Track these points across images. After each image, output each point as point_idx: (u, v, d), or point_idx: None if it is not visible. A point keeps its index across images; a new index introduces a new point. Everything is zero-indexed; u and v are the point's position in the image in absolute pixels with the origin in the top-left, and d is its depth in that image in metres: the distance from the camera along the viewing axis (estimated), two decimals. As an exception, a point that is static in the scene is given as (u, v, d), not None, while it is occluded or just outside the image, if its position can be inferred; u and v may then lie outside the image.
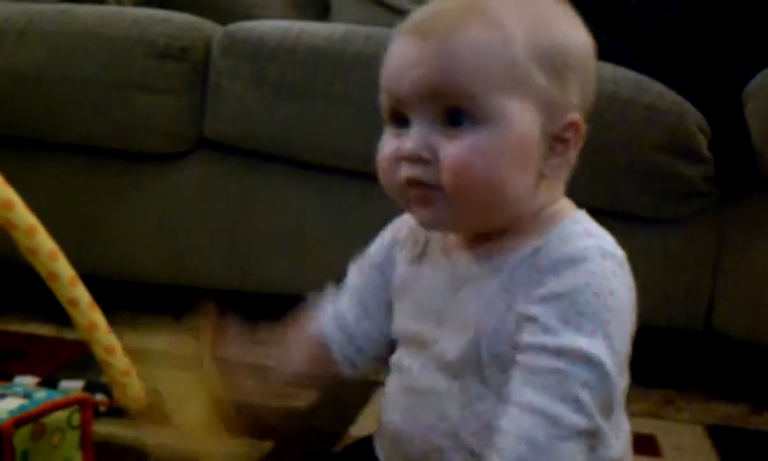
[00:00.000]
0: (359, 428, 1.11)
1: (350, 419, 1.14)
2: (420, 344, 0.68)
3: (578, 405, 0.58)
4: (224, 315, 0.77)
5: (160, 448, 1.02)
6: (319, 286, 1.46)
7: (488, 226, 0.65)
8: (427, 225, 0.66)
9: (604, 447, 0.63)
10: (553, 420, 0.58)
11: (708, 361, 1.45)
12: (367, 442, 0.77)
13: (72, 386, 1.10)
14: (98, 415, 1.04)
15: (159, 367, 0.77)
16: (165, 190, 1.48)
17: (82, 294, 1.03)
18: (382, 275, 0.76)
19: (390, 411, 0.71)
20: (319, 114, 1.41)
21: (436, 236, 0.71)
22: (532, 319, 0.61)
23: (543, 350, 0.60)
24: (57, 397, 0.90)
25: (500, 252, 0.65)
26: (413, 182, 0.63)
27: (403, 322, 0.71)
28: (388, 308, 0.75)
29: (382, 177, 0.66)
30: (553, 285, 0.61)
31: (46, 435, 0.86)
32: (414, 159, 0.62)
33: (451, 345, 0.65)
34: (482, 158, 0.61)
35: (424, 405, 0.67)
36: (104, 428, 1.03)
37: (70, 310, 1.03)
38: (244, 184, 1.47)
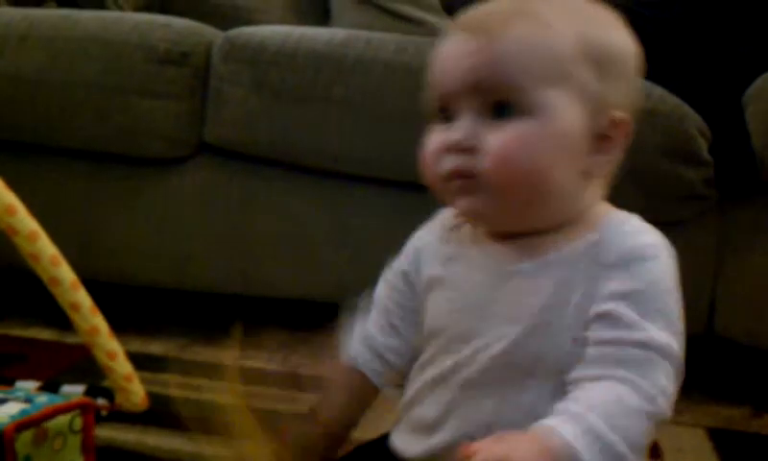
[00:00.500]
0: (361, 432, 1.11)
1: (352, 423, 1.14)
2: (460, 338, 0.68)
3: (665, 393, 0.60)
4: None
5: (165, 452, 1.02)
6: (320, 290, 1.47)
7: (530, 222, 0.65)
8: (468, 214, 0.67)
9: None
10: (648, 396, 0.59)
11: (709, 364, 1.45)
12: (378, 443, 0.76)
13: (73, 390, 1.10)
14: (99, 419, 1.04)
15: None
16: (166, 195, 1.48)
17: (83, 298, 1.03)
18: (407, 282, 0.75)
19: (419, 404, 0.70)
20: (319, 119, 1.41)
21: (465, 232, 0.71)
22: (608, 315, 0.61)
23: (627, 342, 0.60)
24: (58, 401, 0.90)
25: (551, 246, 0.65)
26: (457, 173, 0.64)
27: (437, 320, 0.71)
28: (414, 321, 0.75)
29: (426, 170, 0.66)
30: (627, 281, 0.61)
31: (48, 440, 0.86)
32: (459, 149, 0.63)
33: (497, 338, 0.65)
34: (526, 148, 0.62)
35: (459, 397, 0.67)
36: (105, 433, 1.03)
37: (72, 315, 1.03)
38: (245, 189, 1.47)
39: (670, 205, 1.35)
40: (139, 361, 1.11)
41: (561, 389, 0.62)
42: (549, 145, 0.62)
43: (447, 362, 0.68)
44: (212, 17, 1.66)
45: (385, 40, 1.42)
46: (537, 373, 0.63)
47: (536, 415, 0.61)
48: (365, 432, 1.08)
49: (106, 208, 1.50)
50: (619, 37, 0.66)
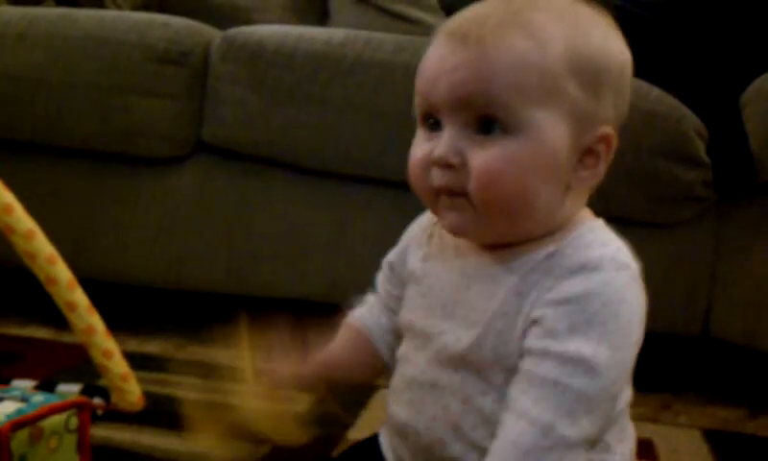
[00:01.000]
0: (357, 432, 1.11)
1: (350, 422, 1.14)
2: (424, 336, 0.69)
3: (573, 417, 0.59)
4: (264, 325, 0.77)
5: (161, 452, 1.02)
6: (318, 290, 1.47)
7: (513, 236, 0.65)
8: (454, 231, 0.67)
9: (606, 453, 0.63)
10: (545, 430, 0.59)
11: (705, 366, 1.45)
12: (370, 443, 0.77)
13: (70, 390, 1.10)
14: (95, 418, 1.04)
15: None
16: (164, 194, 1.48)
17: (80, 298, 1.03)
18: (395, 274, 0.77)
19: (395, 404, 0.71)
20: (317, 119, 1.41)
21: (446, 234, 0.71)
22: (539, 322, 0.61)
23: (547, 355, 0.60)
24: (54, 400, 0.89)
25: (513, 254, 0.65)
26: (444, 190, 0.63)
27: (409, 314, 0.72)
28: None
29: (413, 181, 0.66)
30: (564, 291, 0.61)
31: (43, 439, 0.86)
32: (443, 165, 0.62)
33: (456, 339, 0.65)
34: (512, 169, 0.61)
35: (427, 398, 0.68)
36: (101, 432, 1.03)
37: (68, 314, 1.03)
38: (242, 189, 1.47)
39: (668, 206, 1.35)
40: (136, 360, 1.11)
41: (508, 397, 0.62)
42: (535, 165, 0.61)
43: (417, 362, 0.69)
44: (211, 17, 1.66)
45: (383, 41, 1.42)
46: (494, 377, 0.64)
47: (495, 420, 0.62)
48: (361, 432, 1.09)
49: (103, 207, 1.49)
50: (612, 47, 0.64)
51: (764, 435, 1.26)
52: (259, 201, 1.47)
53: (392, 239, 0.79)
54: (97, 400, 1.08)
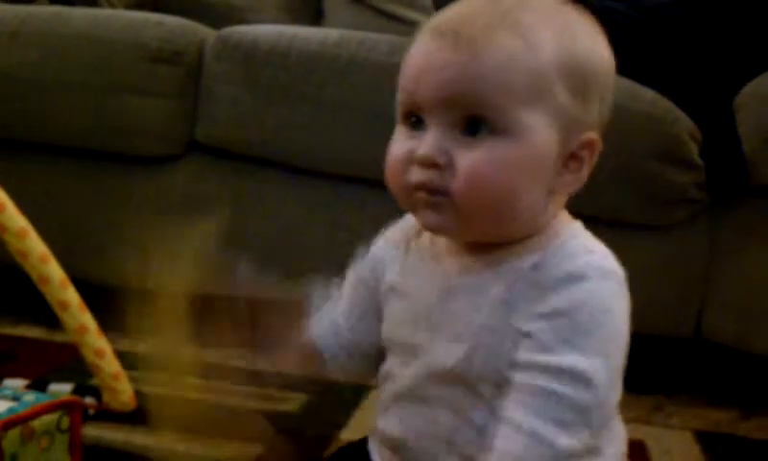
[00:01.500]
0: (350, 433, 1.11)
1: (341, 423, 1.14)
2: (411, 351, 0.68)
3: (571, 428, 0.59)
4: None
5: (153, 451, 1.02)
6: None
7: (492, 237, 0.64)
8: (433, 229, 0.65)
9: (595, 457, 0.63)
10: (546, 442, 0.58)
11: (698, 367, 1.45)
12: (360, 445, 0.76)
13: (61, 389, 1.10)
14: (87, 418, 1.04)
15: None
16: (157, 193, 1.48)
17: (72, 297, 1.03)
18: (374, 278, 0.75)
19: (384, 419, 0.71)
20: (311, 119, 1.41)
21: (425, 241, 0.70)
22: (529, 335, 0.61)
23: (539, 368, 0.60)
24: (46, 400, 0.89)
25: (497, 263, 0.64)
26: (423, 187, 0.62)
27: (393, 328, 0.71)
28: (378, 314, 0.74)
29: (390, 178, 0.64)
30: (552, 303, 0.60)
31: (35, 438, 0.86)
32: (428, 164, 0.61)
33: (444, 355, 0.65)
34: (499, 170, 0.60)
35: (417, 413, 0.67)
36: (93, 431, 1.03)
37: (60, 313, 1.03)
38: (236, 188, 1.47)
39: (661, 207, 1.35)
40: (128, 360, 1.11)
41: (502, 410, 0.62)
42: (522, 167, 0.60)
43: (405, 376, 0.68)
44: (205, 16, 1.66)
45: (378, 41, 1.42)
46: (483, 391, 0.63)
47: (487, 432, 0.61)
48: (353, 433, 1.09)
49: (96, 206, 1.49)
50: (598, 52, 0.64)
51: (756, 437, 1.27)
52: (252, 200, 1.47)
53: (385, 240, 0.78)
54: (89, 400, 1.07)
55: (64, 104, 1.45)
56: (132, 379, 1.09)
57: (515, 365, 0.61)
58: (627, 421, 0.71)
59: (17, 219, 1.00)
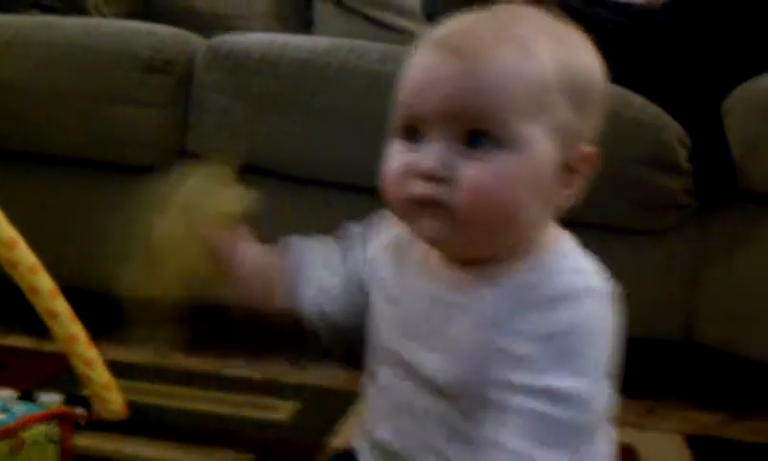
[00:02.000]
0: (340, 440, 1.11)
1: (331, 430, 1.14)
2: (404, 364, 0.68)
3: (554, 448, 0.59)
4: None
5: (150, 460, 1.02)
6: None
7: (491, 251, 0.64)
8: (431, 241, 0.65)
9: None
10: None
11: (687, 371, 1.46)
12: (351, 453, 0.76)
13: (51, 399, 1.09)
14: (77, 428, 1.03)
15: None
16: (148, 203, 1.48)
17: (62, 307, 1.03)
18: (366, 272, 0.74)
19: (377, 426, 0.71)
20: (302, 128, 1.41)
21: (418, 254, 0.70)
22: (515, 356, 0.61)
23: (526, 390, 0.60)
24: (36, 410, 0.89)
25: (488, 280, 0.64)
26: (426, 200, 0.61)
27: (384, 335, 0.71)
28: (361, 291, 0.74)
29: (389, 191, 0.64)
30: (539, 324, 0.60)
31: (24, 450, 0.86)
32: (430, 178, 0.61)
33: (434, 370, 0.65)
34: (502, 184, 0.60)
35: (411, 424, 0.67)
36: (83, 441, 1.03)
37: (50, 323, 1.03)
38: (227, 197, 1.47)
39: (650, 213, 1.36)
40: (118, 369, 1.11)
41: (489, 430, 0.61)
42: (524, 180, 0.60)
43: (396, 387, 0.68)
44: (195, 24, 1.66)
45: (369, 49, 1.42)
46: (472, 406, 0.63)
47: (478, 445, 0.61)
48: (345, 441, 1.09)
49: (87, 216, 1.49)
50: (591, 65, 0.64)
51: (745, 439, 1.27)
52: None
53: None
54: (79, 410, 1.07)
55: (56, 113, 1.45)
56: (123, 389, 1.09)
57: (500, 384, 0.61)
58: (617, 424, 0.71)
59: (7, 229, 1.00)
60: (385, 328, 0.71)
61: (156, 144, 1.46)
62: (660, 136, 1.33)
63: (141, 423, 1.08)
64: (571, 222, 0.68)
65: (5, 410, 0.88)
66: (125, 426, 1.07)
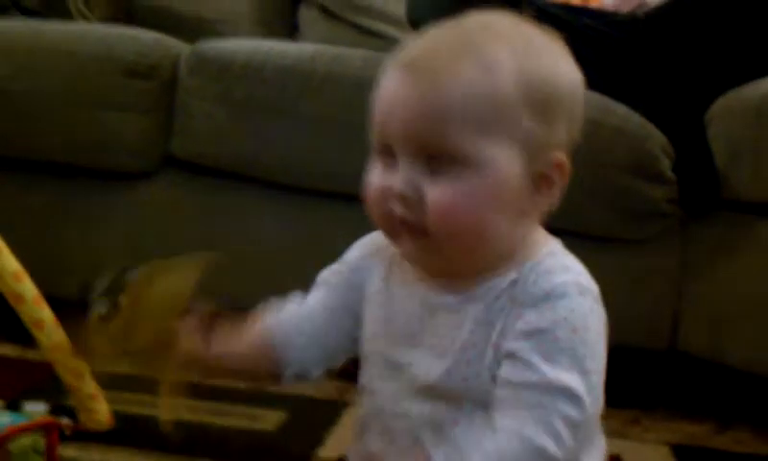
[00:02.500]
0: (328, 450, 1.11)
1: (319, 441, 1.14)
2: (392, 366, 0.68)
3: (558, 439, 0.60)
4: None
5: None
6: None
7: (470, 267, 0.66)
8: (411, 260, 0.67)
9: None
10: (539, 451, 0.60)
11: (672, 381, 1.47)
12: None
13: (37, 409, 1.08)
14: (63, 438, 1.02)
15: None
16: (132, 209, 1.47)
17: (47, 315, 1.01)
18: (358, 282, 0.75)
19: (365, 434, 0.71)
20: (287, 133, 1.41)
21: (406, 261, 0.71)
22: (512, 355, 0.62)
23: (525, 385, 0.61)
24: (21, 421, 0.88)
25: (476, 282, 0.65)
26: (402, 221, 0.63)
27: (374, 342, 0.71)
28: (355, 319, 0.74)
29: (371, 208, 0.66)
30: (533, 321, 0.62)
31: (10, 461, 0.85)
32: (403, 199, 0.62)
33: (426, 370, 0.66)
34: (466, 202, 0.61)
35: (397, 428, 0.68)
36: (69, 452, 1.02)
37: (35, 332, 1.01)
38: (211, 203, 1.46)
39: (634, 222, 1.37)
40: (104, 379, 1.09)
41: (488, 423, 0.63)
42: (489, 197, 0.62)
43: (386, 392, 0.69)
44: (179, 29, 1.65)
45: (353, 56, 1.42)
46: (464, 406, 0.64)
47: (466, 449, 0.62)
48: (332, 451, 1.08)
49: (70, 222, 1.48)
50: (562, 71, 0.65)
51: (731, 450, 1.28)
52: (228, 215, 1.46)
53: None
54: (65, 421, 1.06)
55: (38, 118, 1.44)
56: (109, 399, 1.08)
57: (498, 382, 0.62)
58: (604, 434, 0.71)
59: (-10, 237, 0.98)
60: (373, 332, 0.71)
61: (139, 150, 1.45)
62: (643, 145, 1.34)
63: (127, 433, 1.07)
64: (554, 230, 0.69)
65: (-10, 421, 0.87)
66: (111, 437, 1.06)
